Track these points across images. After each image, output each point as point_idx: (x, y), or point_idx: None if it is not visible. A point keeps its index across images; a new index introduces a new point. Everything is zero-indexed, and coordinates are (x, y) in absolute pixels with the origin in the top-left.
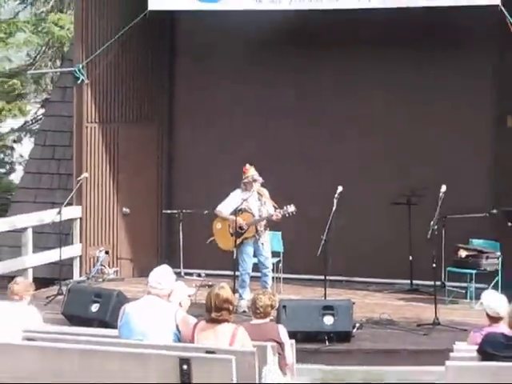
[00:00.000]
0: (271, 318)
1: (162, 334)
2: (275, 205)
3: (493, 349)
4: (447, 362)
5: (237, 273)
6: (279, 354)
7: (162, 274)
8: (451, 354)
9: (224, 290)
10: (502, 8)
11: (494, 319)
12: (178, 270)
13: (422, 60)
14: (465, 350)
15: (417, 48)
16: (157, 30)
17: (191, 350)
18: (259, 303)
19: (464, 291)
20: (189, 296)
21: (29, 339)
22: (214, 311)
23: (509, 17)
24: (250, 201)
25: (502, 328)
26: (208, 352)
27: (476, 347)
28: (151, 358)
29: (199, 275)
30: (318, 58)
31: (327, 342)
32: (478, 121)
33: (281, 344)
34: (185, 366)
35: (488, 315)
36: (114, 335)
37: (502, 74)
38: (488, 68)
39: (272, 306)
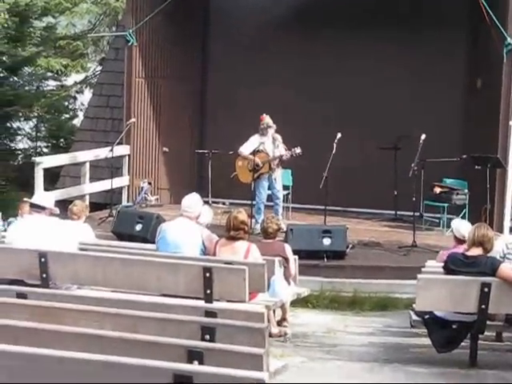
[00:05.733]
0: (279, 238)
1: (191, 248)
2: (286, 147)
3: (454, 265)
4: (419, 276)
5: (254, 202)
6: (285, 266)
7: (192, 200)
8: (422, 269)
9: (241, 213)
10: None
11: (460, 241)
12: (207, 199)
13: (406, 33)
14: (433, 266)
15: (401, 22)
16: (195, 3)
17: (213, 262)
18: (269, 228)
19: (438, 221)
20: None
21: (83, 250)
22: (232, 230)
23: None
24: (266, 143)
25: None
26: (226, 263)
27: (442, 264)
28: (181, 267)
29: (223, 203)
30: (318, 32)
31: (325, 259)
32: (454, 83)
33: (286, 259)
34: (207, 274)
35: (455, 237)
36: (152, 249)
37: (474, 46)
38: (462, 40)
39: (279, 229)
